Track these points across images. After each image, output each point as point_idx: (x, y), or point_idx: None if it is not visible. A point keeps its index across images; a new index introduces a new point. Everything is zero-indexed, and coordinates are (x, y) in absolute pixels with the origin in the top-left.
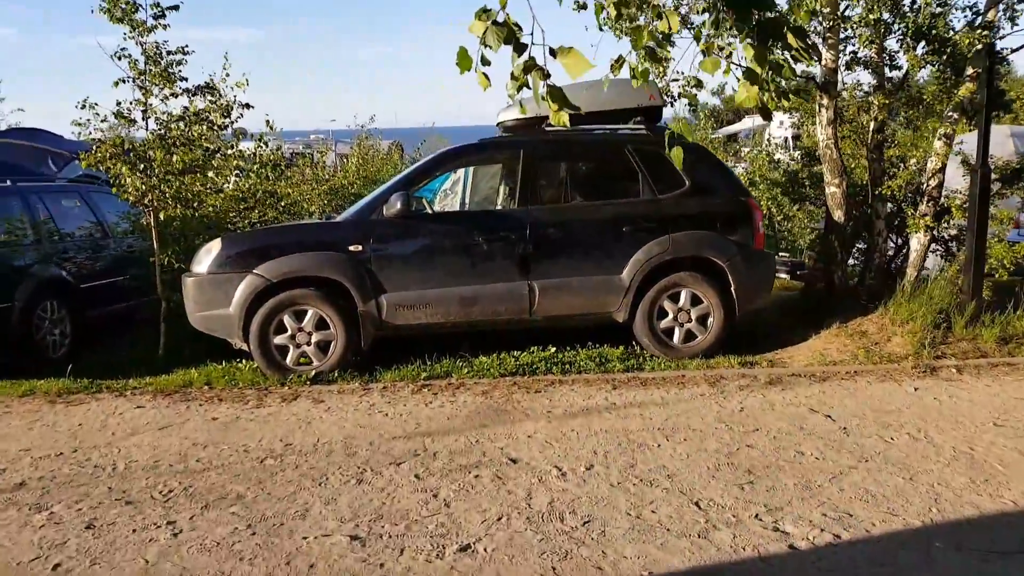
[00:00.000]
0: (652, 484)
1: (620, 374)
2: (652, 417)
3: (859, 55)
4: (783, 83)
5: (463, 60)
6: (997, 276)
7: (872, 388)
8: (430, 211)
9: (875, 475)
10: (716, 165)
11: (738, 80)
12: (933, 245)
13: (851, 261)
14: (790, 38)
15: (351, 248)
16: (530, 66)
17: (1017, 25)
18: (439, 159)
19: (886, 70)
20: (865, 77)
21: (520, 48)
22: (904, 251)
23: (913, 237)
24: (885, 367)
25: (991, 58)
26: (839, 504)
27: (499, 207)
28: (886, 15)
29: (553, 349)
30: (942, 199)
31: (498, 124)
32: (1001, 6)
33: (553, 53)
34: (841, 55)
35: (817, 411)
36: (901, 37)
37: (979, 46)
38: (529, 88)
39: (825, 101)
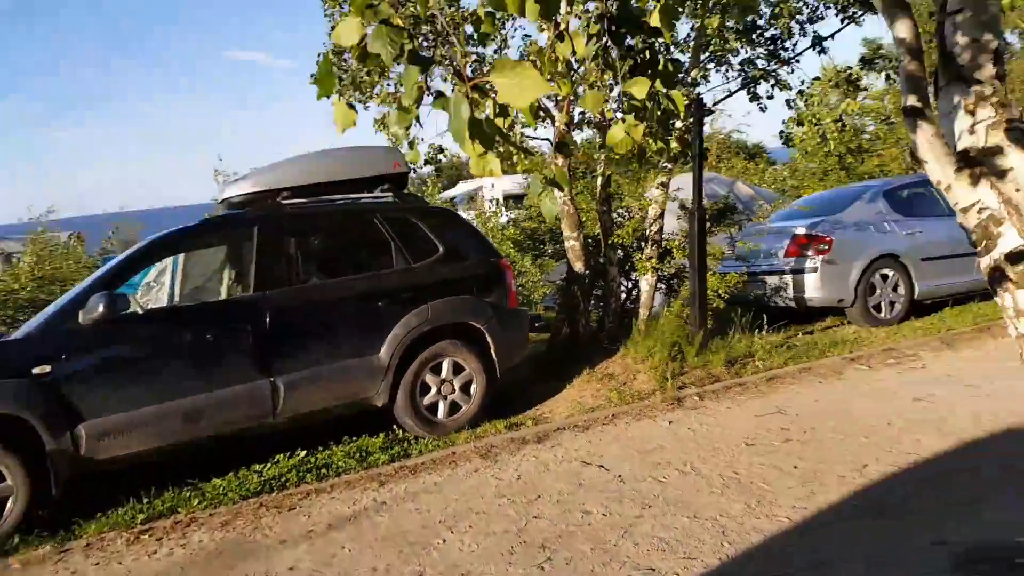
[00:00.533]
0: None
1: (385, 466)
2: (430, 509)
3: (586, 115)
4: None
5: (325, 79)
6: (714, 305)
7: (632, 429)
8: (140, 311)
9: (661, 520)
10: (466, 228)
11: (621, 120)
12: (659, 284)
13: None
14: (665, 72)
15: (36, 371)
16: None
17: (709, 81)
18: (152, 247)
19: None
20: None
21: (421, 62)
22: (635, 293)
23: (642, 279)
24: (638, 405)
25: (700, 111)
26: (639, 560)
27: (226, 296)
28: (609, 80)
29: (303, 453)
30: (663, 242)
31: (222, 201)
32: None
33: (456, 76)
34: (572, 116)
35: (590, 463)
36: (619, 97)
37: (686, 101)
38: (420, 124)
39: (560, 160)
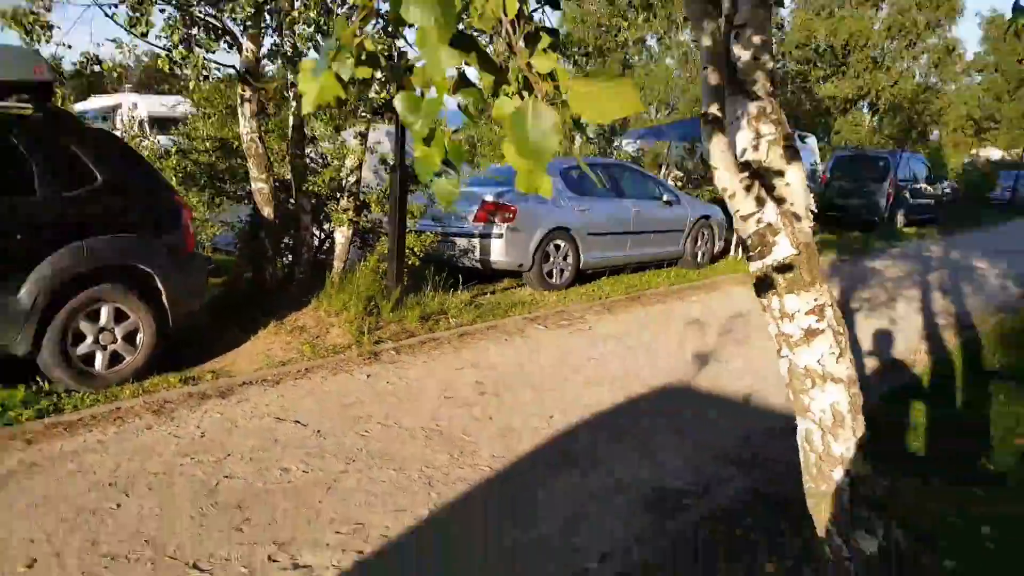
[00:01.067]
0: (131, 558)
1: (33, 423)
2: (96, 471)
3: (281, 47)
4: None
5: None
6: (410, 262)
7: (328, 383)
8: None
9: (367, 474)
10: (133, 156)
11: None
12: (354, 237)
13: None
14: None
15: None
16: None
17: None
18: None
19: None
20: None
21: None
22: (329, 244)
23: (337, 231)
24: (334, 359)
25: (400, 63)
26: (347, 515)
27: None
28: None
29: None
30: (361, 195)
31: None
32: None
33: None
34: (263, 46)
35: (284, 419)
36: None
37: (381, 47)
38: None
39: (248, 93)
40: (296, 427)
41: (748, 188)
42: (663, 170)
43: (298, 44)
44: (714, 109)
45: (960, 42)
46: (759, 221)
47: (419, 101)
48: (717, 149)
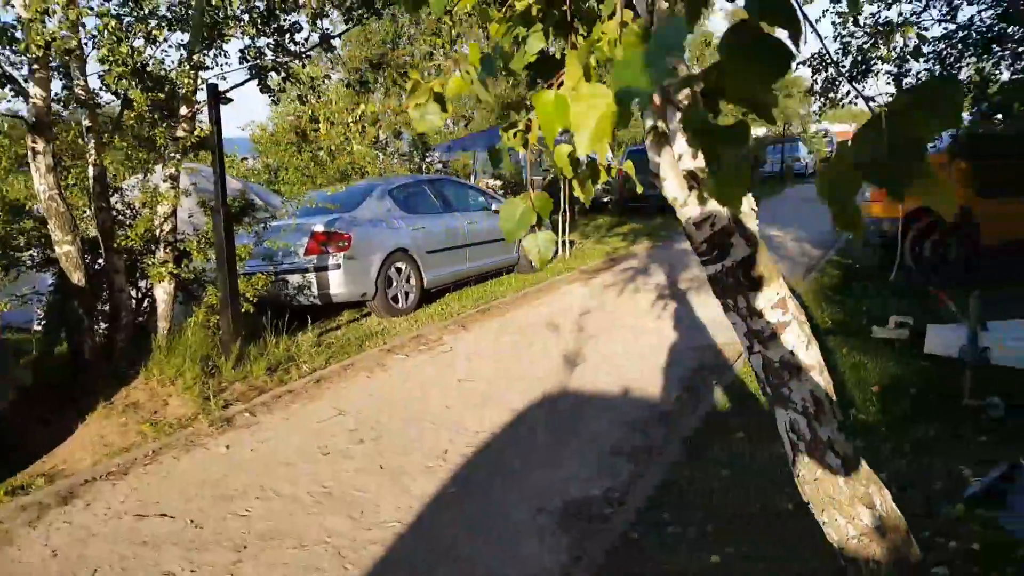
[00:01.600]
0: None
1: None
2: None
3: (74, 90)
4: None
5: None
6: (244, 309)
7: (184, 463)
8: None
9: (265, 559)
10: None
11: None
12: (177, 292)
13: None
14: None
15: None
16: None
17: (228, 64)
18: None
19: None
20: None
21: None
22: (150, 304)
23: (157, 287)
24: (182, 434)
25: (216, 98)
26: None
27: None
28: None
29: None
30: (179, 243)
31: None
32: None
33: None
34: (55, 91)
35: (146, 514)
36: (108, 73)
37: (188, 82)
38: None
39: (40, 145)
40: (164, 521)
41: (696, 195)
42: (473, 179)
43: (111, 84)
44: (662, 125)
45: (714, 35)
46: (712, 225)
47: (718, 128)
48: (666, 162)
